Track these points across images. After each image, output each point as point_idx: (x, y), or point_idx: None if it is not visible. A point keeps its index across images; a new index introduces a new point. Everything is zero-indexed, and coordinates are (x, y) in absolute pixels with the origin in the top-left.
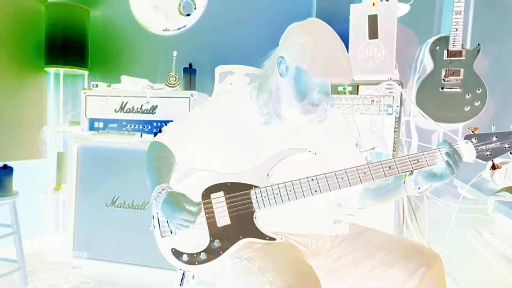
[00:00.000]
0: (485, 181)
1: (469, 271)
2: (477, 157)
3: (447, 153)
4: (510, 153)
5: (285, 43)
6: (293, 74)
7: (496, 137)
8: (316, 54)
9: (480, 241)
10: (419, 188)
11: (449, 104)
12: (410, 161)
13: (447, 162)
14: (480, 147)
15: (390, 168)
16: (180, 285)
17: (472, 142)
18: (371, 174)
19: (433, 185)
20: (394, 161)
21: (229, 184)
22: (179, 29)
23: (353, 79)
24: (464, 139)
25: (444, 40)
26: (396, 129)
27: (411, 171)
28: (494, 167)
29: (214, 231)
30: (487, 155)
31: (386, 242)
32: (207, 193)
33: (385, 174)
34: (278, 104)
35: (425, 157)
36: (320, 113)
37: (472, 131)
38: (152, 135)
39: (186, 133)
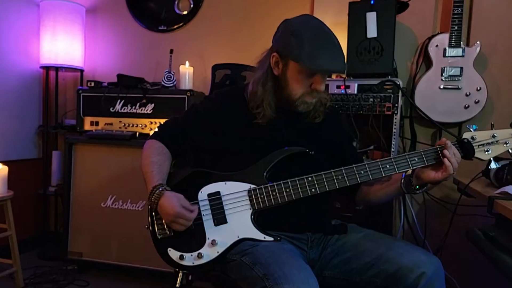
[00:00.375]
0: (485, 180)
1: (469, 271)
2: (476, 155)
3: (445, 151)
4: (509, 151)
5: (277, 40)
6: (287, 69)
7: (495, 134)
8: (309, 46)
9: (480, 241)
10: (417, 186)
11: (449, 102)
12: (408, 159)
13: (446, 160)
14: (479, 145)
15: (388, 166)
16: (177, 285)
17: (471, 140)
18: (369, 172)
19: (432, 184)
20: (392, 159)
21: (225, 183)
22: (176, 27)
23: (351, 77)
24: (463, 137)
25: (443, 38)
26: (394, 128)
27: (409, 169)
28: (493, 165)
29: (211, 231)
30: (486, 153)
31: (385, 245)
32: (204, 192)
33: (383, 173)
34: (272, 101)
35: (423, 156)
36: (317, 111)
37: (471, 129)
38: (149, 134)
39: (182, 130)
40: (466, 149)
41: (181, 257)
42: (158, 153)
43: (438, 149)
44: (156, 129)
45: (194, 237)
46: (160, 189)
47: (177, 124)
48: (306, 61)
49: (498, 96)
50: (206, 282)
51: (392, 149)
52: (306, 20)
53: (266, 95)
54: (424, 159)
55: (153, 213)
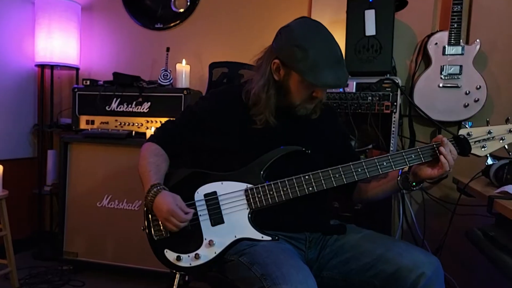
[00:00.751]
0: (485, 179)
1: (469, 271)
2: (472, 151)
3: (441, 148)
4: (505, 147)
5: (281, 46)
6: (289, 78)
7: (491, 131)
8: (313, 61)
9: (480, 241)
10: (414, 183)
11: (448, 101)
12: (405, 156)
13: (442, 157)
14: (475, 142)
15: (385, 164)
16: (174, 286)
17: (467, 136)
18: (366, 170)
19: (429, 181)
20: (389, 156)
21: (222, 183)
22: (172, 24)
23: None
24: (459, 133)
25: (442, 36)
26: (393, 127)
27: (406, 166)
28: (489, 161)
29: (208, 231)
30: (482, 149)
31: (384, 244)
32: (200, 192)
33: (380, 170)
34: (272, 106)
35: (420, 153)
36: (315, 106)
37: (467, 126)
38: (145, 133)
39: (178, 132)
40: (463, 146)
41: (178, 258)
42: (155, 155)
43: (434, 146)
44: (153, 132)
45: (191, 237)
46: (158, 187)
47: (174, 126)
48: (311, 76)
49: (498, 94)
50: (203, 282)
51: (391, 148)
52: (309, 29)
53: (269, 103)
54: (421, 156)
55: (149, 214)
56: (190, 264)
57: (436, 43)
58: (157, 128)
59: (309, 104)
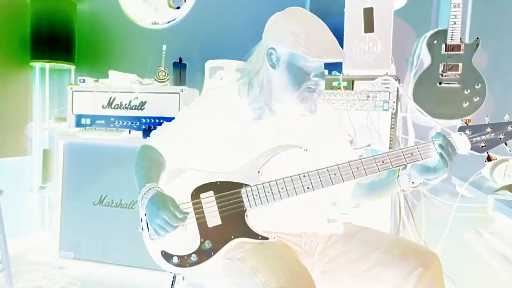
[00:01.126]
0: (484, 179)
1: (468, 271)
2: (471, 149)
3: (440, 145)
4: (505, 144)
5: (273, 34)
6: (287, 63)
7: (491, 128)
8: (310, 37)
9: (479, 240)
10: (413, 182)
11: (447, 99)
12: (403, 155)
13: (441, 154)
14: (474, 139)
15: (383, 162)
16: (171, 287)
17: (466, 133)
18: (364, 169)
19: (428, 179)
20: (388, 155)
21: (219, 183)
22: (168, 22)
23: (348, 74)
24: (458, 131)
25: (442, 34)
26: (392, 126)
27: (405, 165)
28: (489, 159)
29: (205, 232)
30: (481, 146)
31: (382, 242)
32: (197, 192)
33: (378, 169)
34: (270, 97)
35: (419, 151)
36: (311, 102)
37: (466, 123)
38: (141, 132)
39: (175, 136)
40: (462, 144)
41: (175, 259)
42: (151, 156)
43: (433, 144)
44: (149, 128)
45: (187, 238)
46: (151, 188)
47: (170, 127)
48: (308, 51)
49: (498, 92)
50: (200, 283)
51: (390, 147)
52: (297, 12)
53: (263, 92)
54: (420, 154)
55: (145, 215)
56: (187, 265)
57: (436, 41)
58: (153, 131)
59: (309, 90)
